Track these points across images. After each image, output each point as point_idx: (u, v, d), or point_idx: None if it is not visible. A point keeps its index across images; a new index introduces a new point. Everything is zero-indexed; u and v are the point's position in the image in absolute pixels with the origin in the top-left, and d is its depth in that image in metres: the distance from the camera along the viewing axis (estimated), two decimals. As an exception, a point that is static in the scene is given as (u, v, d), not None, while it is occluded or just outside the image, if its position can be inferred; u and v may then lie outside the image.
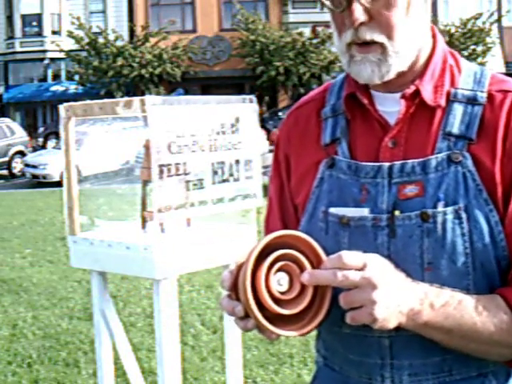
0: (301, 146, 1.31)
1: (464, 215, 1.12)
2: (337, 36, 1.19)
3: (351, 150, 1.23)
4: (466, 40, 27.29)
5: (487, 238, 1.13)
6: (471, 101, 1.18)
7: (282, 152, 1.35)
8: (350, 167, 1.21)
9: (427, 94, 1.18)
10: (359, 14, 1.12)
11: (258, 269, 1.07)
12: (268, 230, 1.39)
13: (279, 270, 1.08)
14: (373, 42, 1.14)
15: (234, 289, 1.11)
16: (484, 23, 27.46)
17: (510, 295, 1.13)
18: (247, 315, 1.09)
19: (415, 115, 1.19)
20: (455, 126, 1.17)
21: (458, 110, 1.18)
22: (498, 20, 28.52)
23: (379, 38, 1.14)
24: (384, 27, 1.14)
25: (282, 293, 1.08)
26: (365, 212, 1.18)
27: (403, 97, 1.18)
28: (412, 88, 1.18)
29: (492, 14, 27.80)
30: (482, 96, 1.18)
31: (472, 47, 27.56)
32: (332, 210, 1.21)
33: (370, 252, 1.10)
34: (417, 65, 1.20)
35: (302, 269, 1.09)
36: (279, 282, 1.08)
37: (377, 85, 1.22)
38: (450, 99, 1.19)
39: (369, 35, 1.14)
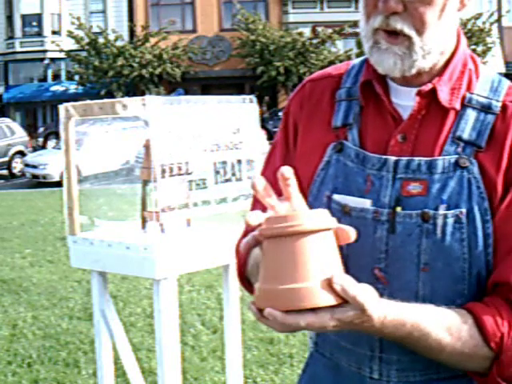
0: (311, 120, 1.29)
1: (465, 220, 1.12)
2: (364, 19, 1.16)
3: (361, 138, 1.22)
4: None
5: (484, 246, 1.13)
6: (485, 108, 1.17)
7: (293, 118, 1.33)
8: (358, 156, 1.20)
9: (443, 94, 1.17)
10: (395, 2, 1.11)
11: None
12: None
13: None
14: (401, 34, 1.13)
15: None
16: (484, 23, 27.47)
17: (479, 312, 1.10)
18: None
19: (428, 113, 1.18)
20: (466, 131, 1.16)
21: (471, 115, 1.17)
22: (498, 20, 28.53)
23: (409, 30, 1.12)
24: (416, 21, 1.12)
25: None
26: (367, 203, 1.18)
27: (419, 94, 1.17)
28: (429, 86, 1.17)
29: (492, 14, 27.81)
30: (497, 105, 1.17)
31: (472, 47, 27.55)
32: (336, 196, 1.21)
33: (368, 244, 1.12)
34: (437, 63, 1.19)
35: None
36: None
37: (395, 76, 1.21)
38: (465, 104, 1.18)
39: (399, 25, 1.12)
